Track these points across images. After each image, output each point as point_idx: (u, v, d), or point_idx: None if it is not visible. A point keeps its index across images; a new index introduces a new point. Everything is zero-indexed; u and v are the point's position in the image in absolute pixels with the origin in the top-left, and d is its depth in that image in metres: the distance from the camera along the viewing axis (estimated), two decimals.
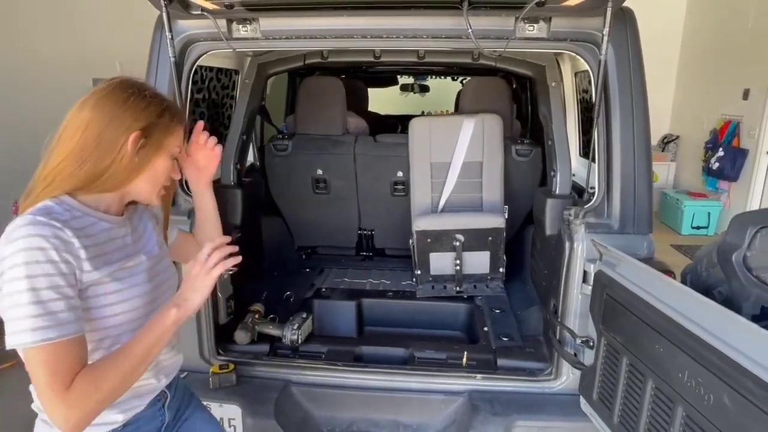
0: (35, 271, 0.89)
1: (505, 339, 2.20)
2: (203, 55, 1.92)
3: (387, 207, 2.99)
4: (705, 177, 6.34)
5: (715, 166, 6.03)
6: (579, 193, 2.29)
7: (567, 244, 1.84)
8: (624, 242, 1.80)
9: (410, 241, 2.71)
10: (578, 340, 1.74)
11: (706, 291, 1.34)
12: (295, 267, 3.02)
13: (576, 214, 1.85)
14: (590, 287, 1.79)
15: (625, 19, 1.75)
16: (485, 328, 2.32)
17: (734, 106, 6.03)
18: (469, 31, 1.67)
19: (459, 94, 3.52)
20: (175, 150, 1.11)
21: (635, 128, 1.78)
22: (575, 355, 1.85)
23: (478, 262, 2.65)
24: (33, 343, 0.89)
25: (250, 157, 3.18)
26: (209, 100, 2.64)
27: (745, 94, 5.86)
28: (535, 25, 1.75)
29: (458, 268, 2.62)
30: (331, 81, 2.88)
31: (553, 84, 2.34)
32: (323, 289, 2.70)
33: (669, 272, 1.71)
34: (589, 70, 1.81)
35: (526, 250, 2.75)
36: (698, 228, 6.21)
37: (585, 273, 1.82)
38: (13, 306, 0.88)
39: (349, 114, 3.04)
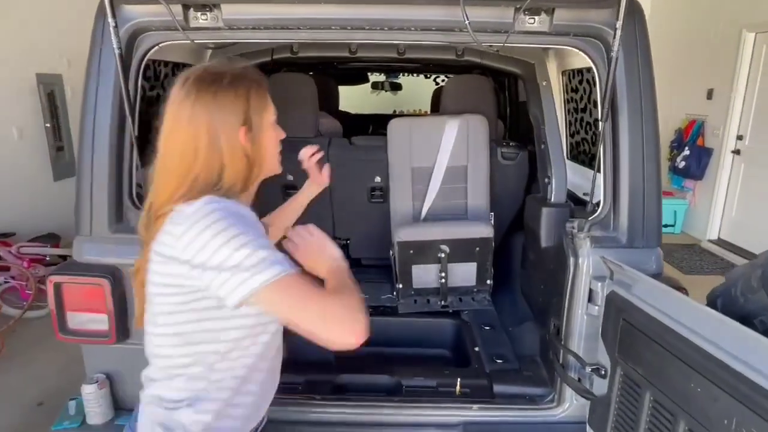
0: (242, 226, 0.92)
1: (499, 361, 2.02)
2: (155, 47, 1.65)
3: (363, 214, 2.77)
4: (671, 175, 6.40)
5: (681, 164, 6.08)
6: (574, 202, 2.14)
7: (571, 260, 1.68)
8: (632, 257, 1.65)
9: (390, 252, 2.50)
10: (588, 368, 1.57)
11: (743, 319, 1.19)
12: None
13: (580, 226, 1.69)
14: (597, 307, 1.63)
15: (634, 13, 1.59)
16: (476, 348, 2.14)
17: (698, 106, 6.10)
18: (467, 23, 1.47)
19: (436, 93, 3.34)
20: (274, 117, 1.10)
21: (644, 133, 1.62)
22: (579, 380, 1.69)
23: (464, 273, 2.47)
24: (283, 272, 0.89)
25: None
26: (165, 99, 2.35)
27: (709, 94, 5.93)
28: (536, 17, 1.56)
29: (443, 281, 2.43)
30: (301, 78, 2.64)
31: (544, 83, 2.17)
32: None
33: (681, 289, 1.57)
34: (593, 68, 1.64)
35: (513, 259, 2.59)
36: (665, 226, 6.26)
37: (591, 291, 1.66)
38: (242, 258, 0.88)
39: (321, 114, 2.80)
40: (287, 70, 3.27)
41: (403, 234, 2.38)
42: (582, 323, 1.68)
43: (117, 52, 1.49)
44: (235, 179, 1.01)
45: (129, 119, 1.63)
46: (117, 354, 1.78)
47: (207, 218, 0.91)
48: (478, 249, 2.39)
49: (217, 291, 0.90)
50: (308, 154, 1.52)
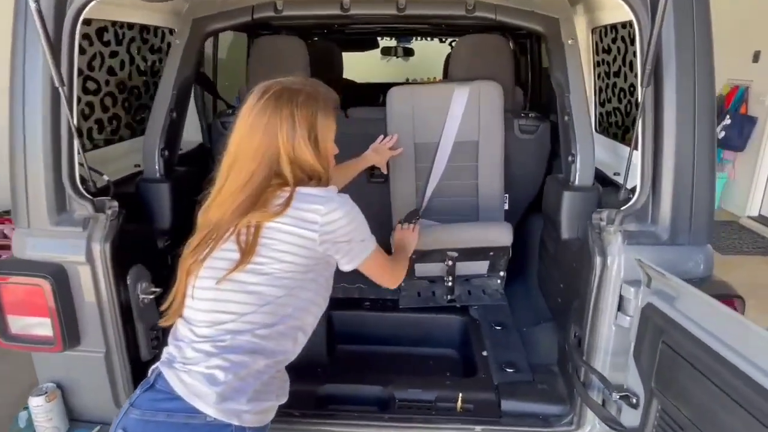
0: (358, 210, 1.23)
1: (509, 370, 1.74)
2: (91, 2, 1.36)
3: (363, 197, 2.43)
4: None
5: (721, 135, 5.57)
6: (600, 181, 1.81)
7: (597, 259, 1.37)
8: (675, 256, 1.34)
9: (390, 240, 2.22)
10: (615, 395, 1.28)
11: None
12: None
13: (610, 218, 1.37)
14: (629, 318, 1.33)
15: None
16: (484, 353, 1.87)
17: (742, 70, 5.53)
18: None
19: (448, 57, 2.97)
20: (334, 131, 1.27)
21: (697, 102, 1.29)
22: (604, 403, 1.41)
23: (474, 266, 2.18)
24: (376, 245, 1.28)
25: (197, 137, 2.64)
26: (133, 67, 2.07)
27: (756, 57, 5.37)
28: None
29: (450, 284, 2.15)
30: (289, 41, 2.32)
31: (570, 41, 1.81)
32: None
33: (737, 298, 1.25)
34: (634, 21, 1.29)
35: (530, 247, 2.27)
36: None
37: (622, 298, 1.36)
38: (363, 231, 1.23)
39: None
40: (282, 34, 2.95)
41: None
42: (609, 336, 1.39)
43: (33, 5, 1.20)
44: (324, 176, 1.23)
45: (62, 92, 1.36)
46: (69, 361, 1.57)
47: (347, 204, 1.18)
48: (492, 253, 2.09)
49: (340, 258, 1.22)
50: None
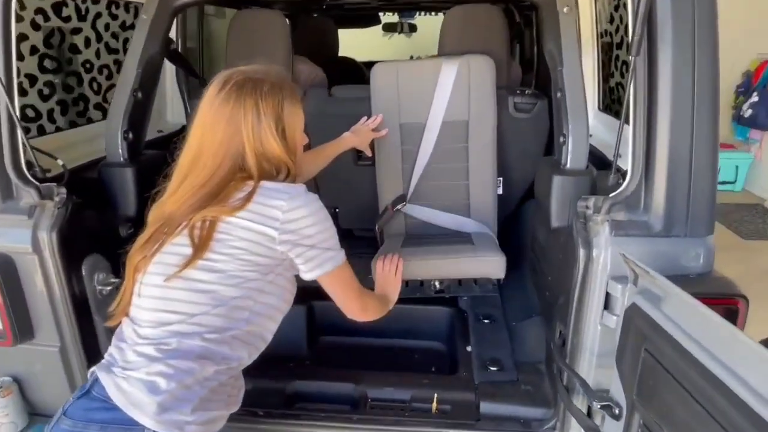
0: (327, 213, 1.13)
1: (493, 368, 1.62)
2: None
3: (351, 180, 2.36)
4: (734, 125, 5.57)
5: (748, 113, 5.25)
6: (599, 164, 1.66)
7: (581, 252, 1.23)
8: (670, 249, 1.19)
9: (376, 226, 2.10)
10: (596, 404, 1.15)
11: None
12: None
13: (596, 206, 1.23)
14: (615, 318, 1.19)
15: None
16: (468, 348, 1.75)
17: None
18: None
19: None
20: (302, 125, 1.20)
21: (696, 72, 1.12)
22: (589, 412, 1.28)
23: None
24: (344, 260, 1.17)
25: (176, 118, 2.54)
26: (101, 45, 1.97)
27: None
28: None
29: (438, 284, 2.03)
30: (269, 15, 2.18)
31: (565, 9, 1.63)
32: None
33: (740, 297, 1.11)
34: None
35: (525, 235, 2.13)
36: (723, 183, 5.51)
37: (608, 295, 1.22)
38: (329, 237, 1.13)
39: (299, 60, 2.35)
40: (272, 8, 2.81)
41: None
42: (594, 337, 1.25)
43: None
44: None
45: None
46: (24, 356, 1.50)
47: (314, 204, 1.10)
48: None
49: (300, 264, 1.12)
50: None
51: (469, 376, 1.61)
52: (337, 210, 2.52)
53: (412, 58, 4.58)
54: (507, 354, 1.68)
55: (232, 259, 1.06)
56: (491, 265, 1.86)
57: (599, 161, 1.70)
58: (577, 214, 1.27)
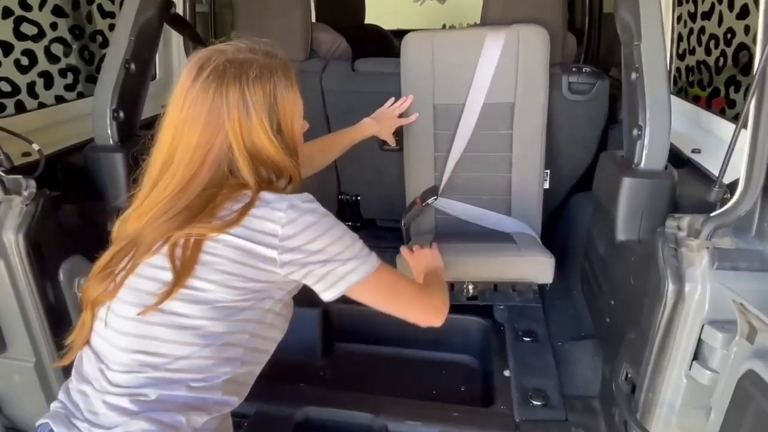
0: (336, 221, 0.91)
1: (536, 402, 1.37)
2: None
3: (375, 166, 2.10)
4: None
5: None
6: (674, 163, 1.36)
7: (670, 286, 0.95)
8: None
9: (402, 222, 1.85)
10: None
11: None
12: None
13: (692, 227, 0.95)
14: (708, 374, 0.93)
15: None
16: (506, 372, 1.51)
17: None
18: None
19: None
20: (301, 109, 0.95)
21: None
22: None
23: None
24: (377, 265, 0.93)
25: None
26: (93, 7, 1.72)
27: None
28: None
29: (471, 287, 1.78)
30: None
31: None
32: None
33: None
34: None
35: (575, 235, 1.84)
36: None
37: (702, 343, 0.95)
38: (345, 247, 0.90)
39: (319, 27, 2.07)
40: None
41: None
42: (676, 392, 0.99)
43: None
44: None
45: None
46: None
47: (317, 212, 0.88)
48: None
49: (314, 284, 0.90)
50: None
51: (508, 410, 1.37)
52: (358, 198, 2.28)
53: (444, 26, 4.22)
54: (553, 384, 1.43)
55: (220, 287, 0.84)
56: (538, 268, 1.61)
57: (670, 154, 1.40)
58: (665, 236, 0.98)
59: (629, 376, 1.12)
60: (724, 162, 0.95)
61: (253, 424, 1.36)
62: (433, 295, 1.10)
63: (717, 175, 0.97)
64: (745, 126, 0.91)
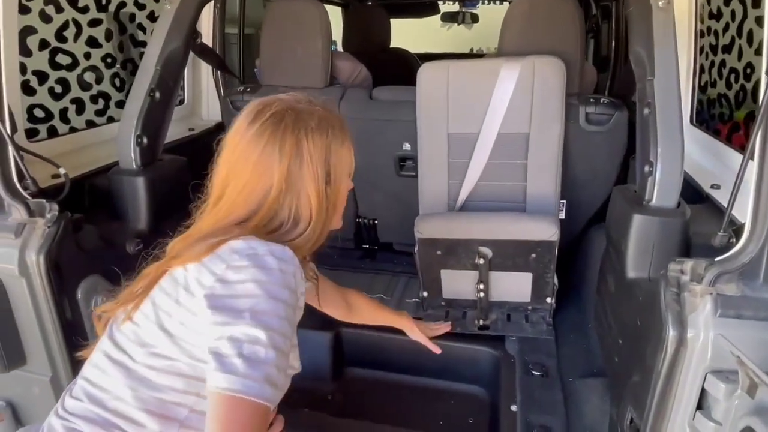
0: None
1: None
2: None
3: (392, 191, 2.12)
4: None
5: None
6: (690, 195, 1.33)
7: (671, 332, 0.93)
8: None
9: (414, 248, 1.85)
10: None
11: None
12: None
13: (695, 272, 0.92)
14: (712, 425, 0.89)
15: None
16: (513, 407, 1.48)
17: None
18: None
19: None
20: (352, 168, 0.97)
21: None
22: None
23: (515, 285, 1.76)
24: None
25: (211, 115, 2.38)
26: (125, 37, 1.82)
27: None
28: None
29: (482, 294, 1.75)
30: (306, 5, 1.95)
31: (661, 3, 1.30)
32: None
33: None
34: None
35: (590, 269, 1.81)
36: None
37: (705, 392, 0.92)
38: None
39: (339, 56, 2.12)
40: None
41: (426, 228, 1.70)
42: None
43: None
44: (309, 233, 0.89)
45: None
46: (17, 382, 1.38)
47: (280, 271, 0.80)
48: (534, 256, 1.65)
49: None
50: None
51: None
52: (376, 222, 2.29)
53: (472, 50, 4.26)
54: (560, 423, 1.40)
55: (150, 324, 0.83)
56: (542, 226, 1.60)
57: (689, 191, 1.37)
58: (668, 280, 0.96)
59: (633, 419, 1.09)
60: (729, 202, 0.92)
61: None
62: None
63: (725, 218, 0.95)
64: (752, 158, 0.88)
